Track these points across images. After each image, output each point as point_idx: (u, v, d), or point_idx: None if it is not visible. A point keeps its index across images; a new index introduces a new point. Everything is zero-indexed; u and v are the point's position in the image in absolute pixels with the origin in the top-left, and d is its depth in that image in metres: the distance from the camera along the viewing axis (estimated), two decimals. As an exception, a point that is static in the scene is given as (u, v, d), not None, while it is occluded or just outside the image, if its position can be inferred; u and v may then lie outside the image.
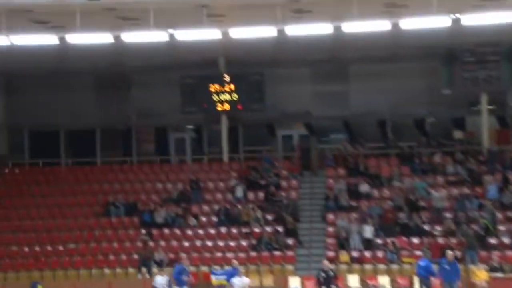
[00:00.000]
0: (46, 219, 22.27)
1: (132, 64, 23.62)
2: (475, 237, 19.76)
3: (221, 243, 21.02)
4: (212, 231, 21.49)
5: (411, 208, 21.05)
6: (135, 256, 20.64)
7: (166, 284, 17.72)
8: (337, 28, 17.62)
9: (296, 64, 23.76)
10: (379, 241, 20.43)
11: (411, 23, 17.52)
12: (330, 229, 21.08)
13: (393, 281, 19.16)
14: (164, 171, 24.02)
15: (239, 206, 21.84)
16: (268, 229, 21.17)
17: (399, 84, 23.61)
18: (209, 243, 21.05)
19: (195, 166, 24.20)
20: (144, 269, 20.08)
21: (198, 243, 21.10)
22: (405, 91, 23.69)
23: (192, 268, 18.99)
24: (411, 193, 21.54)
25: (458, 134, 24.13)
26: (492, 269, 18.81)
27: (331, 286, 17.22)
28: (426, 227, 20.55)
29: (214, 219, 21.82)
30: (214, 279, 18.80)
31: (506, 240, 19.93)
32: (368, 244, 20.36)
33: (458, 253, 18.83)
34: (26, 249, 21.26)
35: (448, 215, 20.77)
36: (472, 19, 17.69)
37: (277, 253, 20.49)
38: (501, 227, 20.32)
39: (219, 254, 20.65)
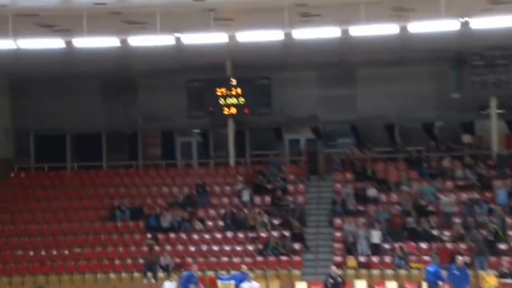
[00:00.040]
0: (51, 223, 22.40)
1: (138, 68, 23.76)
2: (485, 242, 19.75)
3: (227, 248, 21.08)
4: (218, 235, 21.56)
5: (419, 212, 21.06)
6: (141, 261, 20.72)
7: (175, 290, 17.77)
8: (345, 32, 17.67)
9: (303, 67, 23.84)
10: (386, 246, 20.44)
11: (419, 27, 17.55)
12: (337, 234, 21.10)
13: (401, 287, 19.17)
14: (170, 175, 24.12)
15: (246, 211, 21.90)
16: (275, 233, 21.23)
17: (407, 88, 23.64)
18: (215, 248, 21.11)
19: (202, 170, 24.28)
20: (149, 274, 20.17)
21: (204, 247, 21.17)
22: (413, 95, 23.72)
23: (198, 273, 19.03)
24: (420, 197, 21.54)
25: (467, 138, 24.12)
26: (501, 275, 18.79)
27: (338, 292, 17.23)
28: (435, 232, 20.55)
29: (220, 223, 21.89)
30: (220, 284, 18.85)
31: (515, 245, 19.92)
32: (375, 249, 20.38)
33: (467, 259, 18.81)
34: (31, 253, 21.39)
35: (457, 220, 20.75)
36: (481, 23, 17.70)
37: (283, 258, 20.54)
38: (511, 233, 20.29)
39: (225, 259, 20.71)
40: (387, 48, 21.24)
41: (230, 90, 23.52)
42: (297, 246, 20.89)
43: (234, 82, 23.57)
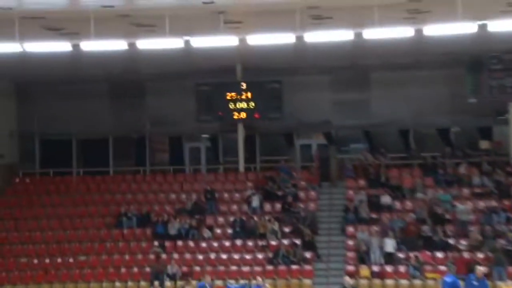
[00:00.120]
0: (56, 230, 22.55)
1: (146, 72, 23.93)
2: (503, 252, 19.70)
3: (236, 256, 21.14)
4: (227, 243, 21.63)
5: (435, 221, 21.04)
6: (148, 269, 20.80)
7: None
8: (358, 35, 17.71)
9: (315, 71, 23.92)
10: (401, 255, 20.43)
11: (435, 30, 17.56)
12: (350, 242, 21.12)
13: (415, 297, 19.17)
14: (178, 181, 24.24)
15: (255, 218, 21.97)
16: (285, 241, 21.27)
17: (422, 92, 23.66)
18: (224, 256, 21.18)
19: (210, 176, 24.39)
20: (156, 283, 20.23)
21: (212, 256, 21.23)
22: (429, 99, 23.73)
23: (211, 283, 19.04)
24: (435, 205, 21.51)
25: (484, 144, 24.07)
26: (520, 286, 18.76)
27: (352, 302, 17.24)
28: (451, 241, 20.53)
29: (229, 231, 21.96)
30: (229, 293, 18.92)
31: (535, 255, 19.84)
32: (389, 258, 20.37)
33: (485, 269, 18.74)
34: (35, 261, 21.53)
35: (474, 228, 20.72)
36: (499, 25, 17.69)
37: (294, 267, 20.57)
38: (530, 242, 20.25)
39: (234, 268, 20.77)
40: (402, 51, 21.27)
41: (240, 94, 23.63)
42: (308, 254, 20.92)
43: (244, 86, 23.67)
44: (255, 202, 22.43)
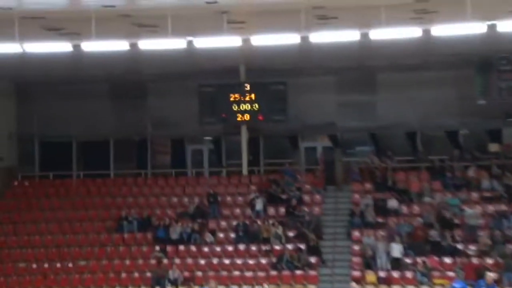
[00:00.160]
0: (55, 234, 22.61)
1: (148, 72, 24.01)
2: (513, 257, 19.71)
3: (239, 261, 21.17)
4: (230, 248, 21.67)
5: (443, 225, 21.06)
6: (149, 274, 20.84)
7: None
8: (364, 35, 17.76)
9: (320, 72, 23.97)
10: (408, 260, 20.45)
11: (443, 30, 17.61)
12: (356, 247, 21.14)
13: (423, 304, 19.18)
14: (180, 185, 24.30)
15: (259, 222, 22.02)
16: (289, 246, 21.31)
17: (430, 93, 23.68)
18: (227, 261, 21.22)
19: (213, 179, 24.46)
20: (158, 288, 20.32)
21: (215, 260, 21.27)
22: (437, 101, 23.75)
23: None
24: (443, 209, 21.53)
25: (494, 147, 24.07)
26: (531, 293, 18.76)
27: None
28: (459, 246, 20.54)
29: (232, 235, 22.01)
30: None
31: (545, 261, 19.83)
32: (396, 263, 20.39)
33: (494, 275, 18.75)
34: (34, 265, 21.59)
35: (483, 233, 20.72)
36: (509, 25, 17.73)
37: (298, 272, 20.60)
38: (541, 247, 20.24)
39: (237, 273, 20.81)
40: (409, 52, 21.32)
41: (244, 95, 23.70)
42: (313, 259, 20.95)
43: (248, 87, 23.74)
44: (259, 205, 22.48)
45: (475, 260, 20.06)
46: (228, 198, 23.38)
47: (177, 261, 21.24)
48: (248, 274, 20.65)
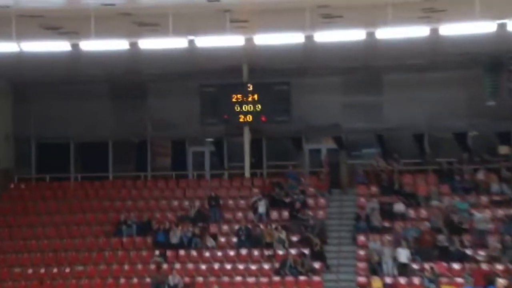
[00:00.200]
0: (52, 238, 22.70)
1: (148, 72, 24.12)
2: (523, 263, 19.78)
3: (241, 267, 21.25)
4: (232, 253, 21.75)
5: (451, 230, 21.13)
6: (148, 280, 20.93)
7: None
8: (370, 34, 17.87)
9: (325, 73, 24.04)
10: (415, 266, 20.52)
11: (451, 29, 17.71)
12: (361, 253, 21.21)
13: (430, 311, 19.24)
14: (181, 187, 24.40)
15: (261, 226, 22.10)
16: (293, 251, 21.39)
17: (438, 94, 23.76)
18: (228, 266, 21.30)
19: (215, 182, 24.51)
20: (157, 294, 20.42)
21: (216, 266, 21.35)
22: (445, 102, 23.83)
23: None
24: (451, 213, 21.60)
25: (503, 150, 24.13)
26: (541, 300, 18.82)
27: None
28: (468, 252, 20.61)
29: (234, 239, 22.09)
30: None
31: (557, 267, 19.91)
32: (403, 269, 20.47)
33: (505, 281, 18.83)
34: (30, 271, 21.66)
35: (492, 238, 20.79)
36: (520, 24, 17.83)
37: (302, 278, 20.67)
38: (552, 253, 20.31)
39: (239, 279, 20.89)
40: (416, 52, 21.41)
41: (247, 96, 23.80)
42: (317, 265, 21.02)
43: (250, 87, 23.85)
44: (261, 208, 22.56)
45: (484, 266, 20.12)
46: (230, 202, 23.46)
47: (177, 266, 21.32)
48: (250, 280, 20.73)
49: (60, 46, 18.57)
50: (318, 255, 21.21)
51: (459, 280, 19.60)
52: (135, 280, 21.14)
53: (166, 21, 16.96)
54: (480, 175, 22.93)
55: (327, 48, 19.54)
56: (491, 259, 20.24)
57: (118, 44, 18.53)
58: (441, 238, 20.97)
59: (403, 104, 24.01)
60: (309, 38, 18.10)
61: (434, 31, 17.76)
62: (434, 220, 21.60)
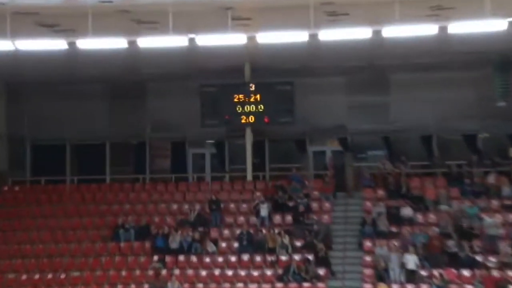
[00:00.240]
0: (47, 243, 22.74)
1: (147, 72, 24.19)
2: (535, 270, 19.80)
3: (242, 273, 21.29)
4: (233, 258, 21.79)
5: (460, 235, 21.16)
6: (146, 286, 20.95)
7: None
8: (377, 33, 17.93)
9: (330, 72, 24.11)
10: (423, 272, 20.54)
11: (460, 27, 17.76)
12: (367, 258, 21.24)
13: (439, 319, 19.27)
14: (181, 191, 24.45)
15: (264, 231, 22.15)
16: (297, 257, 21.42)
17: (447, 95, 23.82)
18: (229, 272, 21.33)
19: (215, 185, 24.57)
20: (156, 301, 20.45)
21: (217, 272, 21.38)
22: (454, 102, 23.88)
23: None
24: (461, 218, 21.63)
25: (515, 152, 24.21)
26: (554, 307, 18.84)
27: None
28: (479, 258, 20.63)
29: (236, 245, 22.12)
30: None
31: None
32: (411, 276, 20.49)
33: (515, 288, 18.88)
34: (24, 276, 21.68)
35: (504, 244, 20.81)
36: (531, 23, 17.87)
37: (306, 284, 20.70)
38: None
39: (240, 285, 20.92)
40: (424, 51, 21.46)
41: (249, 96, 23.87)
42: (321, 271, 21.04)
43: (252, 87, 23.91)
44: (264, 211, 22.60)
45: (495, 273, 20.13)
46: (231, 205, 23.51)
47: (177, 272, 21.33)
48: (252, 286, 20.77)
49: (56, 44, 18.66)
50: (323, 261, 21.23)
51: (469, 287, 19.61)
52: (132, 286, 21.17)
53: (166, 19, 17.04)
54: (491, 179, 22.96)
55: (332, 46, 19.60)
56: (502, 266, 20.25)
57: (116, 43, 18.61)
58: (450, 244, 21.00)
59: (411, 105, 24.06)
60: (313, 36, 18.16)
61: (443, 29, 17.80)
62: (443, 225, 21.62)
